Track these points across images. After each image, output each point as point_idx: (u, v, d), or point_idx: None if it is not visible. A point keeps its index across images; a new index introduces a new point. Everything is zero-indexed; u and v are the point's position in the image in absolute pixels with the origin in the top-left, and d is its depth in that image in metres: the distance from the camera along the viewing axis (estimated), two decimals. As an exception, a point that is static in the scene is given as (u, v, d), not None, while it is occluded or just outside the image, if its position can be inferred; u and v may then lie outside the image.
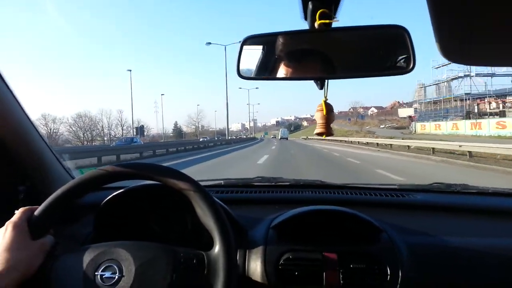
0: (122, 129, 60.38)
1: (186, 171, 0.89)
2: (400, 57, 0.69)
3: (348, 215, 0.90)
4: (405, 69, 0.68)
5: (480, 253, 0.88)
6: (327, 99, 0.73)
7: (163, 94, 74.68)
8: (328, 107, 0.74)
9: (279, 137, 49.43)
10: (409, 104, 69.33)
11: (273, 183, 1.34)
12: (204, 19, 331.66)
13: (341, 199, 1.16)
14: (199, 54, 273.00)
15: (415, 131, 42.79)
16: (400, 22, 0.69)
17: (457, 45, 0.50)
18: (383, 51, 0.71)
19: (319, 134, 0.75)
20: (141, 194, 0.87)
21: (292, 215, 0.89)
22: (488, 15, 0.41)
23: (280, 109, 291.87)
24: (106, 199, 0.86)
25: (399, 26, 0.68)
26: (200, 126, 68.50)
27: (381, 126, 69.84)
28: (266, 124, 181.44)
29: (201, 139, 46.05)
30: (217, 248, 0.68)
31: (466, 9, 0.41)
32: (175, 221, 0.87)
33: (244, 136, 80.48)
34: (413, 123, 46.62)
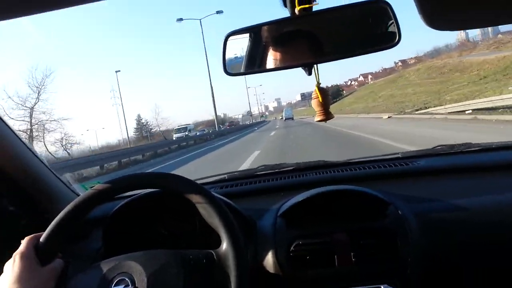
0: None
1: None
2: (385, 31, 0.67)
3: (351, 192, 0.90)
4: (391, 43, 0.66)
5: (486, 211, 0.87)
6: (320, 84, 0.73)
7: (118, 71, 41.31)
8: (323, 92, 0.73)
9: (284, 118, 44.58)
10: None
11: (276, 170, 1.32)
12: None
13: (345, 176, 1.14)
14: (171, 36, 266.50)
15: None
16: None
17: (439, 12, 0.50)
18: (367, 28, 0.69)
19: (320, 120, 0.76)
20: (145, 202, 0.89)
21: (298, 201, 0.90)
22: None
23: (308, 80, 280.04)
24: (113, 212, 0.88)
25: (381, 0, 0.65)
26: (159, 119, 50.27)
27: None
28: (292, 102, 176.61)
29: (175, 136, 32.99)
30: (225, 245, 0.69)
31: None
32: (183, 223, 0.90)
33: (248, 122, 72.24)
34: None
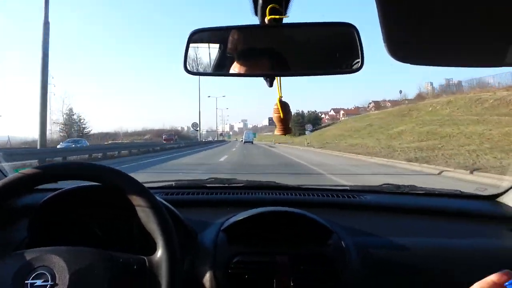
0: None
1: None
2: (349, 55, 0.67)
3: (297, 216, 0.89)
4: (353, 69, 0.66)
5: (425, 252, 0.89)
6: (281, 97, 0.71)
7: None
8: (284, 106, 0.72)
9: (244, 141, 43.65)
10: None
11: (226, 184, 1.31)
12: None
13: (294, 200, 1.15)
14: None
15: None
16: (352, 20, 0.66)
17: (404, 45, 0.49)
18: (332, 49, 0.69)
19: (280, 135, 0.76)
20: (81, 196, 0.82)
21: (243, 217, 0.87)
22: (436, 14, 0.40)
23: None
24: (42, 201, 0.80)
25: (348, 23, 0.66)
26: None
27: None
28: (258, 125, 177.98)
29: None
30: (159, 252, 0.65)
31: (413, 8, 0.40)
32: (119, 225, 0.83)
33: (211, 139, 68.11)
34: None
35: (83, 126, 43.05)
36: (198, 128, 53.22)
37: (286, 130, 0.74)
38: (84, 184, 0.79)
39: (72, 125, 41.91)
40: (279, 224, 0.88)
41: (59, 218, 0.81)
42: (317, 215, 0.91)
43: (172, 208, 0.82)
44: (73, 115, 42.13)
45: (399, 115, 28.34)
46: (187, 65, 0.70)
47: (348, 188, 1.34)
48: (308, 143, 28.56)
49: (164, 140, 40.79)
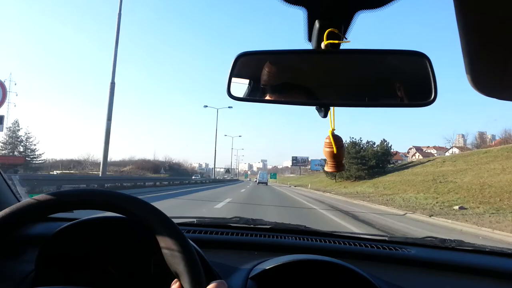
0: None
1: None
2: (419, 88, 0.58)
3: (337, 267, 0.79)
4: (424, 102, 0.57)
5: None
6: (334, 130, 0.62)
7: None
8: (337, 141, 0.63)
9: (258, 182, 41.22)
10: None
11: (251, 225, 1.24)
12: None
13: (329, 248, 1.06)
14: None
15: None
16: (420, 48, 0.58)
17: (491, 79, 0.41)
18: (399, 79, 0.60)
19: (331, 172, 0.65)
20: (97, 228, 0.73)
21: (276, 265, 0.79)
22: None
23: (299, 147, 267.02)
24: (56, 231, 0.71)
25: (420, 52, 0.58)
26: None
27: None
28: (278, 166, 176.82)
29: None
30: None
31: (504, 39, 0.37)
32: (136, 263, 0.73)
33: (227, 177, 65.76)
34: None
35: (31, 147, 30.82)
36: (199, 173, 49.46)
37: (339, 167, 0.64)
38: (105, 215, 0.70)
39: (16, 145, 30.17)
40: (314, 275, 0.79)
41: (72, 251, 0.72)
42: (356, 266, 0.81)
43: (199, 250, 0.72)
44: (18, 130, 29.43)
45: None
46: (231, 90, 0.63)
47: (387, 238, 1.23)
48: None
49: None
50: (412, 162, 34.05)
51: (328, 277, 0.79)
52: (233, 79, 0.63)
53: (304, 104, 0.62)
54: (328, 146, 0.62)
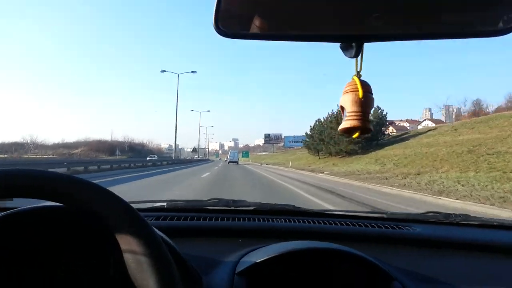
0: None
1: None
2: (490, 12, 0.43)
3: (341, 255, 0.69)
4: (497, 30, 0.41)
5: None
6: (361, 75, 0.45)
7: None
8: (365, 86, 0.45)
9: (228, 161, 40.59)
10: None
11: (232, 207, 1.11)
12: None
13: (323, 230, 0.95)
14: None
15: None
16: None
17: None
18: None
19: (349, 130, 0.45)
20: (39, 220, 0.52)
21: (268, 257, 0.66)
22: None
23: (276, 125, 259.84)
24: None
25: None
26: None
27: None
28: (250, 145, 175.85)
29: None
30: None
31: None
32: (90, 264, 0.53)
33: (195, 157, 60.78)
34: None
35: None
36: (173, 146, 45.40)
37: (363, 122, 0.44)
38: (46, 204, 0.50)
39: None
40: (315, 265, 0.68)
41: (7, 249, 0.51)
42: (357, 249, 0.72)
43: (168, 240, 0.55)
44: None
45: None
46: (219, 23, 0.44)
47: (385, 216, 1.13)
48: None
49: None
50: (407, 132, 30.47)
51: (329, 265, 0.69)
52: (222, 9, 0.44)
53: (326, 38, 0.44)
54: (353, 90, 0.44)
